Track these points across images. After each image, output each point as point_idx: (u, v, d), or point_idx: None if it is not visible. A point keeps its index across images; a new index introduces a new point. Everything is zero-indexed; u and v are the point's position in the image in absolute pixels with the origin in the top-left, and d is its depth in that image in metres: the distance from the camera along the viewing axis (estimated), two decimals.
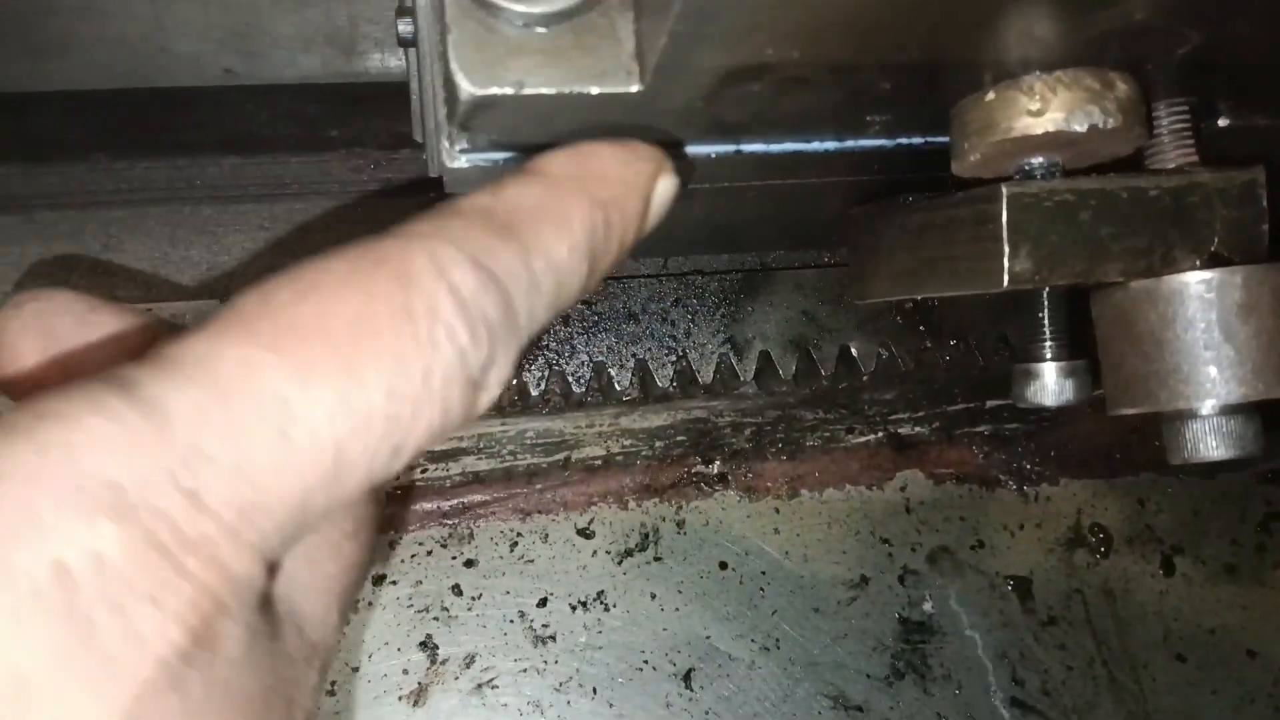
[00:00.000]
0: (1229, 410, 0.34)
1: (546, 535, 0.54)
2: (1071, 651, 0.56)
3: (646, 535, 0.54)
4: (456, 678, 0.51)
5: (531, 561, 0.53)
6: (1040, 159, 0.34)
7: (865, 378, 0.55)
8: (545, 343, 0.52)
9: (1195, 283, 0.34)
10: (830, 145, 0.37)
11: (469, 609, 0.52)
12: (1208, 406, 0.34)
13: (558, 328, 0.52)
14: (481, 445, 0.53)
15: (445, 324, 0.25)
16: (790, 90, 0.32)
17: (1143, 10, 0.29)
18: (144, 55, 0.55)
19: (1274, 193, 0.35)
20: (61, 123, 0.54)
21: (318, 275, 0.25)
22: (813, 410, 0.56)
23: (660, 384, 0.53)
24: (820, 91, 0.33)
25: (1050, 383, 0.38)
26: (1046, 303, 0.38)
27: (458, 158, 0.34)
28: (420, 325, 0.24)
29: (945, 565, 0.56)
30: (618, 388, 0.52)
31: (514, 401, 0.52)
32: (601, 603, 0.53)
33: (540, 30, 0.30)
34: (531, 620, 0.52)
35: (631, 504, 0.54)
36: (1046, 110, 0.32)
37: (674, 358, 0.53)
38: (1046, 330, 0.38)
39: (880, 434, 0.57)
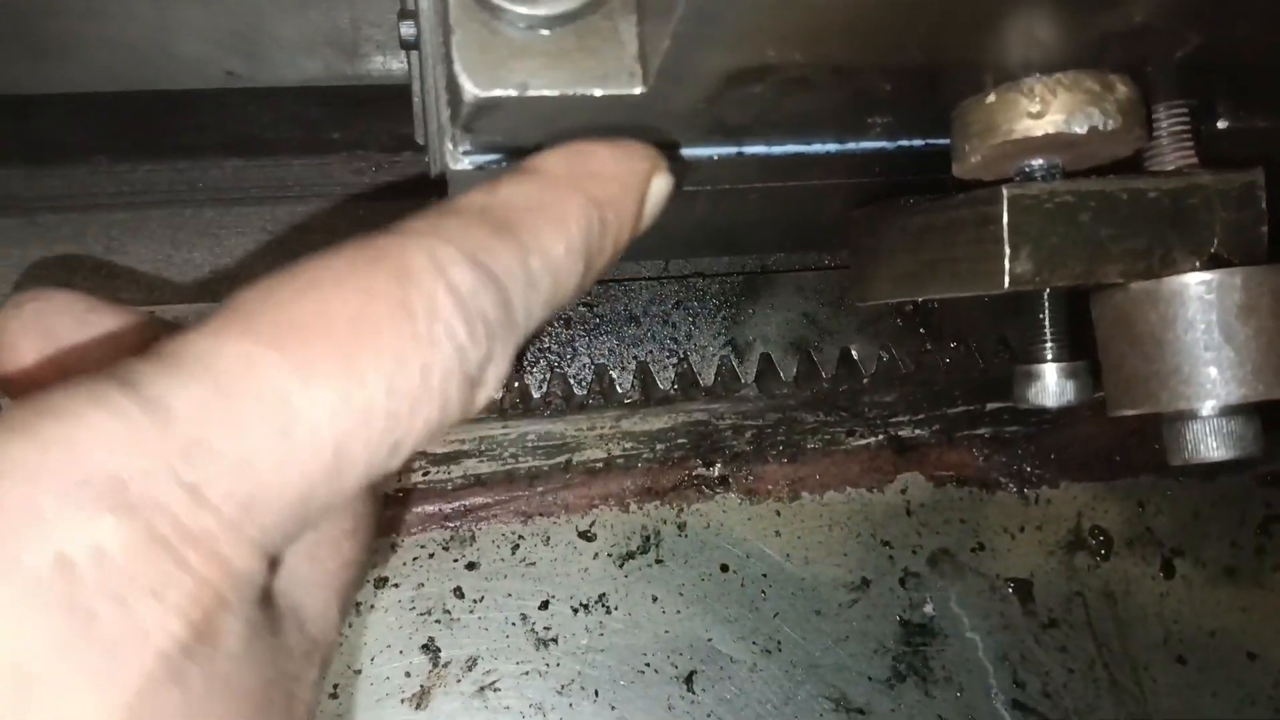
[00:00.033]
0: (1229, 411, 0.34)
1: (548, 538, 0.54)
2: (1072, 654, 0.56)
3: (648, 538, 0.54)
4: (459, 680, 0.51)
5: (533, 564, 0.53)
6: (1040, 161, 0.34)
7: (866, 380, 0.54)
8: (547, 345, 0.52)
9: (1195, 284, 0.34)
10: (831, 147, 0.37)
11: (471, 611, 0.52)
12: (1208, 407, 0.34)
13: (559, 330, 0.52)
14: (483, 448, 0.53)
15: (444, 322, 0.25)
16: (792, 92, 0.32)
17: (1143, 12, 0.30)
18: (146, 57, 0.55)
19: (1273, 194, 0.35)
20: (63, 125, 0.54)
21: (317, 272, 0.25)
22: (813, 413, 0.56)
23: (661, 386, 0.53)
24: (822, 93, 0.33)
25: (1051, 384, 0.38)
26: (1047, 304, 0.38)
27: (461, 159, 0.34)
28: (419, 323, 0.24)
29: (946, 567, 0.56)
30: (619, 390, 0.52)
31: (515, 404, 0.52)
32: (603, 605, 0.53)
33: (543, 32, 0.30)
34: (533, 623, 0.52)
35: (633, 506, 0.54)
36: (1047, 112, 0.32)
37: (675, 360, 0.53)
38: (1047, 331, 0.38)
39: (881, 436, 0.57)
